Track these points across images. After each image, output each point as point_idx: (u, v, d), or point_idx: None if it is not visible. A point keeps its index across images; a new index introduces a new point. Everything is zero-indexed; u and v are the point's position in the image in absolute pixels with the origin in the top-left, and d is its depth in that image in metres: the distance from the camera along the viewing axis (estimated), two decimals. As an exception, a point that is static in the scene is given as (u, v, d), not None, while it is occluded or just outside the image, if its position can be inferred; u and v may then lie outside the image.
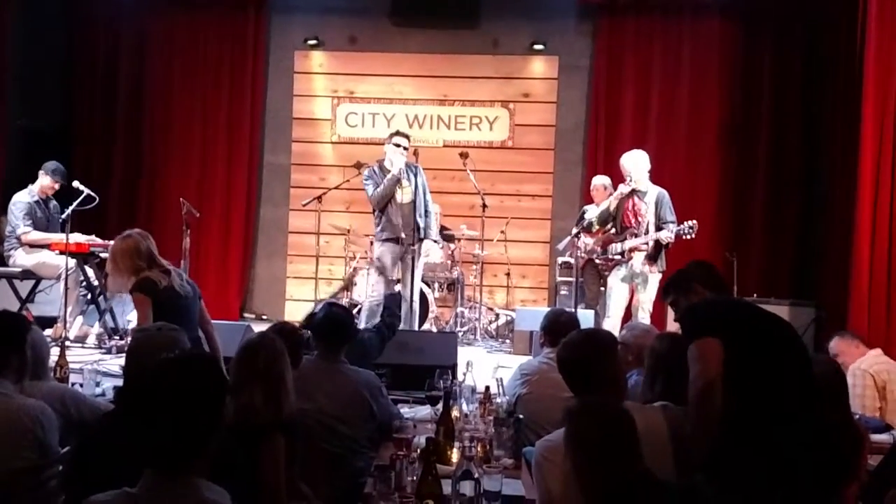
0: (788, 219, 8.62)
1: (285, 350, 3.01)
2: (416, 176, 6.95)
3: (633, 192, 6.54)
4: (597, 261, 6.95)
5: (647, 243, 6.40)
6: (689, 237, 6.26)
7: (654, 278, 6.36)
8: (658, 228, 6.36)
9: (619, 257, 6.55)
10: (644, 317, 6.35)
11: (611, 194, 7.02)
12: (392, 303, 5.37)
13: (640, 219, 6.46)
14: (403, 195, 6.85)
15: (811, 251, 8.27)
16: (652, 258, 6.38)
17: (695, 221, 6.25)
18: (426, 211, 6.96)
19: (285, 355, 2.99)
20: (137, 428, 1.92)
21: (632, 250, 6.45)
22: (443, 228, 8.43)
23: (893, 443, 3.69)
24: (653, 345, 3.22)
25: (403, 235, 6.78)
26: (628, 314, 6.58)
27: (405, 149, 6.89)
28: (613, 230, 6.67)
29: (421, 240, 6.87)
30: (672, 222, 6.35)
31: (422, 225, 6.88)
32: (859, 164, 6.37)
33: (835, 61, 7.48)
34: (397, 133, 7.02)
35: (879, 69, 6.28)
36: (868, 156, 6.28)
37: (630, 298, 6.53)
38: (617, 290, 6.53)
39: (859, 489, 3.13)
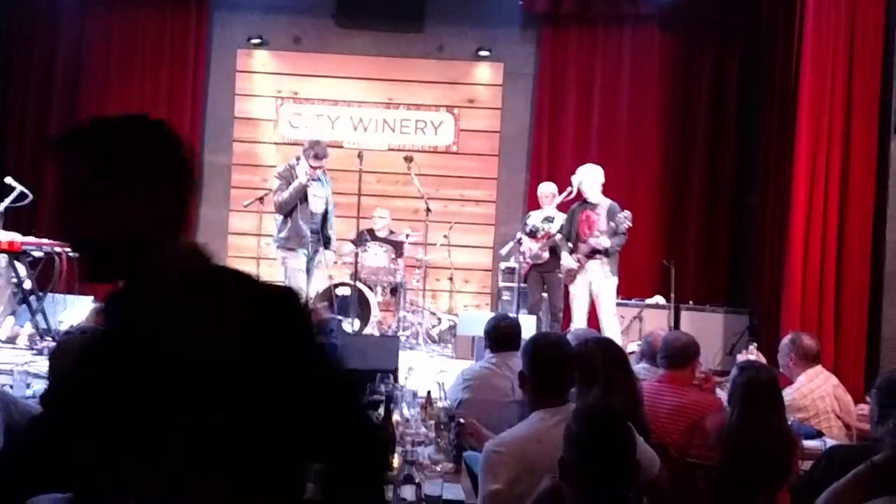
0: (724, 227, 8.82)
1: None
2: (326, 186, 6.94)
3: (586, 204, 6.82)
4: (559, 275, 7.10)
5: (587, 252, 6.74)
6: (626, 225, 6.61)
7: (610, 282, 6.72)
8: (614, 235, 6.67)
9: (577, 266, 6.81)
10: (607, 319, 6.68)
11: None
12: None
13: (593, 230, 6.68)
14: (316, 205, 6.80)
15: (746, 259, 8.46)
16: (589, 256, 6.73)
17: (628, 212, 6.62)
18: (331, 223, 7.03)
19: None
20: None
21: (587, 257, 6.73)
22: (390, 233, 8.42)
23: (825, 449, 3.77)
24: (589, 350, 3.29)
25: (308, 248, 6.77)
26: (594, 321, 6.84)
27: (322, 168, 6.80)
28: (570, 243, 6.94)
29: (325, 248, 6.97)
30: (623, 234, 6.68)
31: (330, 236, 6.97)
32: (793, 172, 6.52)
33: (772, 72, 7.66)
34: (316, 156, 6.67)
35: (815, 81, 6.42)
36: (802, 165, 6.42)
37: (591, 304, 6.83)
38: (578, 297, 6.82)
39: (791, 493, 3.21)
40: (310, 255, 6.82)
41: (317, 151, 6.69)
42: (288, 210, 6.72)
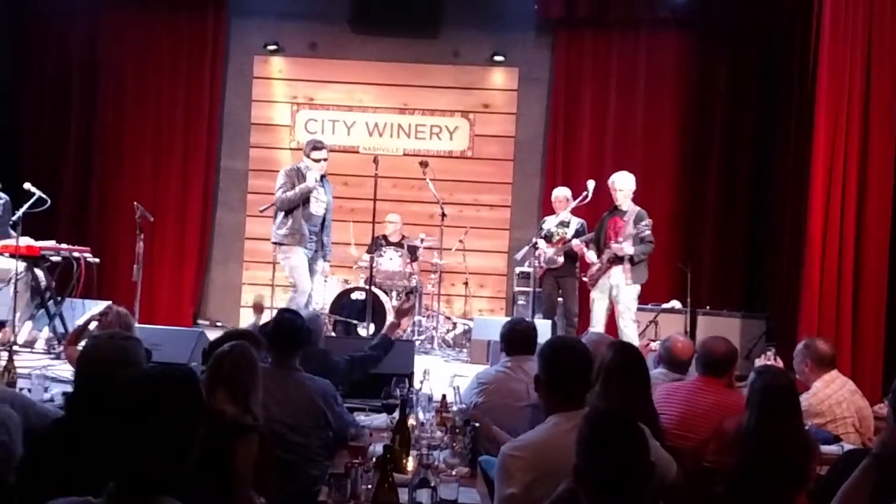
0: (740, 230, 8.78)
1: (255, 358, 3.00)
2: (328, 192, 6.97)
3: (616, 211, 6.87)
4: (584, 279, 7.10)
5: (611, 256, 6.76)
6: (646, 232, 6.64)
7: (632, 290, 6.68)
8: (639, 242, 6.69)
9: (598, 265, 6.85)
10: (626, 325, 6.67)
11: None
12: (382, 345, 5.12)
13: (620, 237, 6.69)
14: (317, 207, 6.84)
15: (763, 263, 8.41)
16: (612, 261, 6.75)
17: (649, 220, 6.69)
18: (328, 230, 7.01)
19: (254, 363, 2.98)
20: (107, 439, 1.85)
21: (610, 263, 6.75)
22: (402, 237, 8.44)
23: (841, 454, 3.75)
24: (601, 353, 3.29)
25: (308, 247, 6.79)
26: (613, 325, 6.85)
27: (325, 160, 6.85)
28: (596, 248, 6.98)
29: (323, 258, 6.97)
30: (648, 242, 6.70)
31: (326, 242, 6.95)
32: (811, 175, 6.46)
33: (788, 74, 7.62)
34: (315, 147, 6.81)
35: (832, 81, 6.36)
36: (820, 167, 6.37)
37: (611, 309, 6.83)
38: (598, 301, 6.83)
39: (808, 498, 3.18)
40: (309, 254, 6.84)
41: (315, 144, 6.83)
42: (289, 209, 6.76)
